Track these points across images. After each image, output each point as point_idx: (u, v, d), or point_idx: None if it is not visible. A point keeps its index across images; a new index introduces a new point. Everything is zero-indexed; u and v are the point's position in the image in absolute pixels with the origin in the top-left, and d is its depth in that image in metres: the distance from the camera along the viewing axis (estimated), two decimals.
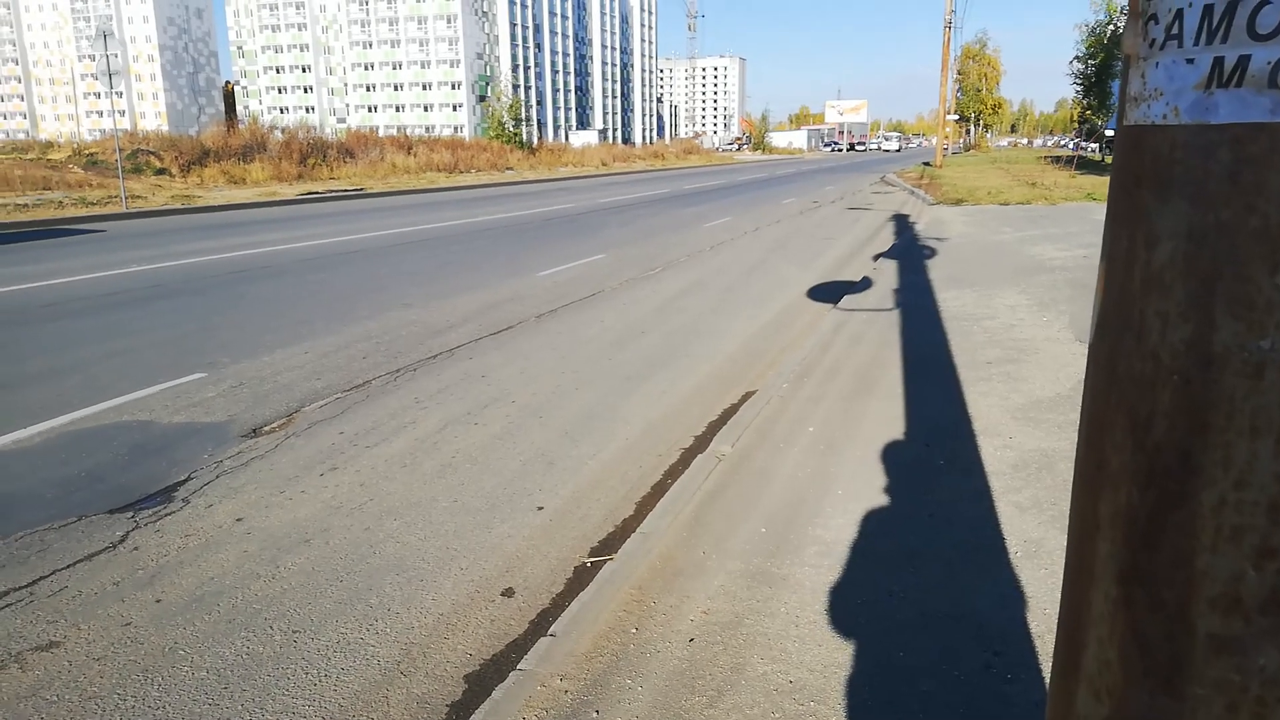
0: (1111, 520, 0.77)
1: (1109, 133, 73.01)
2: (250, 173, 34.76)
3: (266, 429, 5.67)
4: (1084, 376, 0.85)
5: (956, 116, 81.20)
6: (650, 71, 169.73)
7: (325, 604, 3.57)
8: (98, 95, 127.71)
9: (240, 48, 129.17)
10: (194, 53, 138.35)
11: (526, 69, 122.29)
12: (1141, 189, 0.72)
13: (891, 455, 4.82)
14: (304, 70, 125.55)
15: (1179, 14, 0.68)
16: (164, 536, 4.14)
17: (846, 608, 3.28)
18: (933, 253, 13.11)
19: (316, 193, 31.09)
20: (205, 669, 3.12)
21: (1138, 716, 0.75)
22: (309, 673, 3.11)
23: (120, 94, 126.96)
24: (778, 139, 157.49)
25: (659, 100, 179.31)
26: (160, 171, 33.52)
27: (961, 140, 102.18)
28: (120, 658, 3.18)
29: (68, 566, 3.83)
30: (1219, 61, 0.65)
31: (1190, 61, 0.67)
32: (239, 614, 3.49)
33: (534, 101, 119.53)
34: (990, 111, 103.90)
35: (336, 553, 4.01)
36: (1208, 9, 0.65)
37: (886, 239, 16.08)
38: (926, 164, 50.95)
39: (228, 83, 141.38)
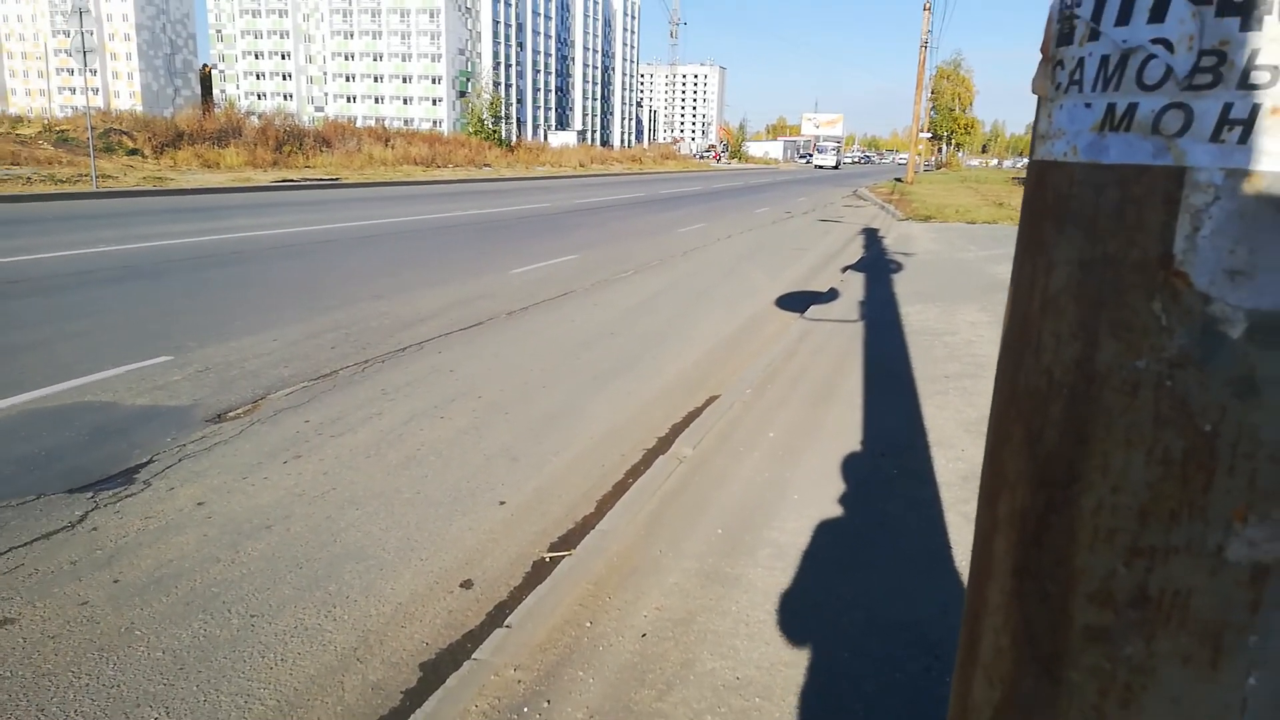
0: (1008, 520, 0.84)
1: None
2: (225, 157, 34.39)
3: (231, 415, 5.66)
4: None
5: (929, 134, 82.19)
6: (631, 76, 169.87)
7: (284, 589, 3.59)
8: (71, 72, 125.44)
9: (219, 31, 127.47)
10: (171, 34, 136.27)
11: (508, 67, 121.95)
12: (1044, 220, 0.80)
13: (848, 463, 4.92)
14: (283, 57, 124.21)
15: (1080, 61, 0.75)
16: (123, 518, 4.14)
17: (796, 609, 3.36)
18: (899, 267, 13.30)
19: (291, 180, 30.83)
20: (161, 650, 3.14)
21: (1023, 699, 0.83)
22: (266, 656, 3.14)
23: (94, 72, 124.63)
24: (754, 149, 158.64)
25: (639, 104, 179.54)
26: (132, 152, 33.07)
27: (933, 158, 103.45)
28: (76, 636, 3.18)
29: (25, 544, 3.81)
30: (1112, 107, 0.72)
31: (1088, 106, 0.75)
32: (197, 596, 3.50)
33: (514, 100, 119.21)
34: (963, 131, 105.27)
35: (297, 539, 4.02)
36: (1104, 59, 0.73)
37: (855, 252, 16.27)
38: (898, 180, 51.54)
39: (205, 66, 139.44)
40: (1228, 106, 0.66)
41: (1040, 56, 0.83)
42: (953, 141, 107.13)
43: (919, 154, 60.34)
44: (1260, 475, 0.68)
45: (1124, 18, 0.71)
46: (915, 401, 6.17)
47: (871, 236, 19.27)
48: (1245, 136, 0.65)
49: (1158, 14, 0.68)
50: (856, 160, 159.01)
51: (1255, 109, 0.65)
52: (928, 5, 44.05)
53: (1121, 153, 0.72)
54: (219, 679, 2.98)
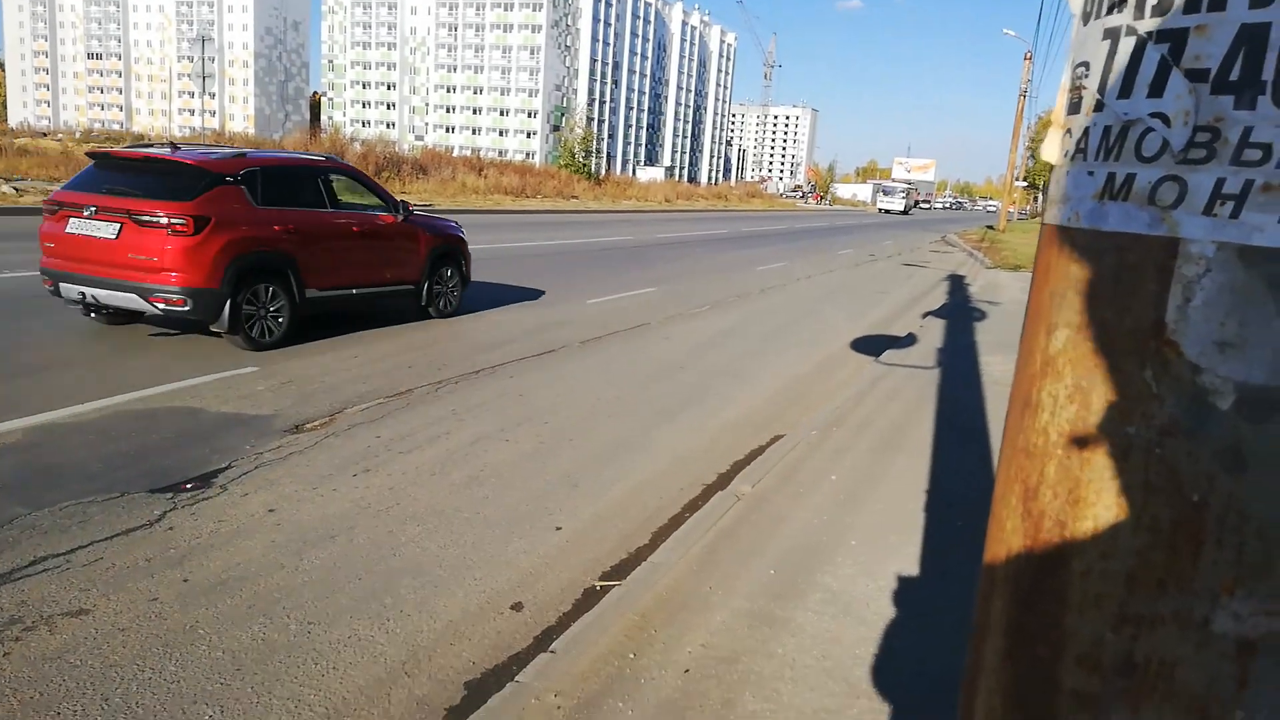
0: (1004, 578, 0.85)
1: None
2: None
3: (308, 426, 5.86)
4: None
5: (1025, 183, 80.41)
6: (723, 115, 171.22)
7: (342, 599, 3.69)
8: (191, 95, 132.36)
9: (331, 61, 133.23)
10: (286, 63, 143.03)
11: (602, 103, 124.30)
12: (1048, 282, 0.81)
13: (911, 512, 4.83)
14: (389, 87, 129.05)
15: (1086, 131, 0.77)
16: (198, 520, 4.32)
17: (845, 657, 3.31)
18: (983, 315, 13.02)
19: None
20: (222, 650, 3.26)
21: None
22: (319, 664, 3.23)
23: (212, 95, 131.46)
24: (843, 190, 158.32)
25: (728, 143, 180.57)
26: None
27: (1028, 206, 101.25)
28: (144, 630, 3.33)
29: (105, 539, 4.01)
30: (1112, 176, 0.74)
31: (1091, 174, 0.76)
32: (260, 600, 3.63)
33: (605, 135, 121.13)
34: None
35: (359, 551, 4.14)
36: (1107, 129, 0.74)
37: (938, 298, 16.00)
38: (990, 228, 50.59)
39: (315, 93, 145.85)
40: (1220, 181, 0.66)
41: (1053, 123, 0.85)
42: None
43: (1013, 202, 59.12)
44: (1248, 549, 0.68)
45: (1126, 90, 0.72)
46: (988, 453, 6.03)
47: (957, 283, 18.92)
48: (1237, 211, 0.66)
49: (1157, 88, 0.70)
50: (948, 206, 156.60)
51: (1248, 185, 0.66)
52: (1028, 54, 43.34)
53: (1119, 221, 0.73)
54: (273, 683, 3.08)
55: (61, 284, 7.64)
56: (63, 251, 7.63)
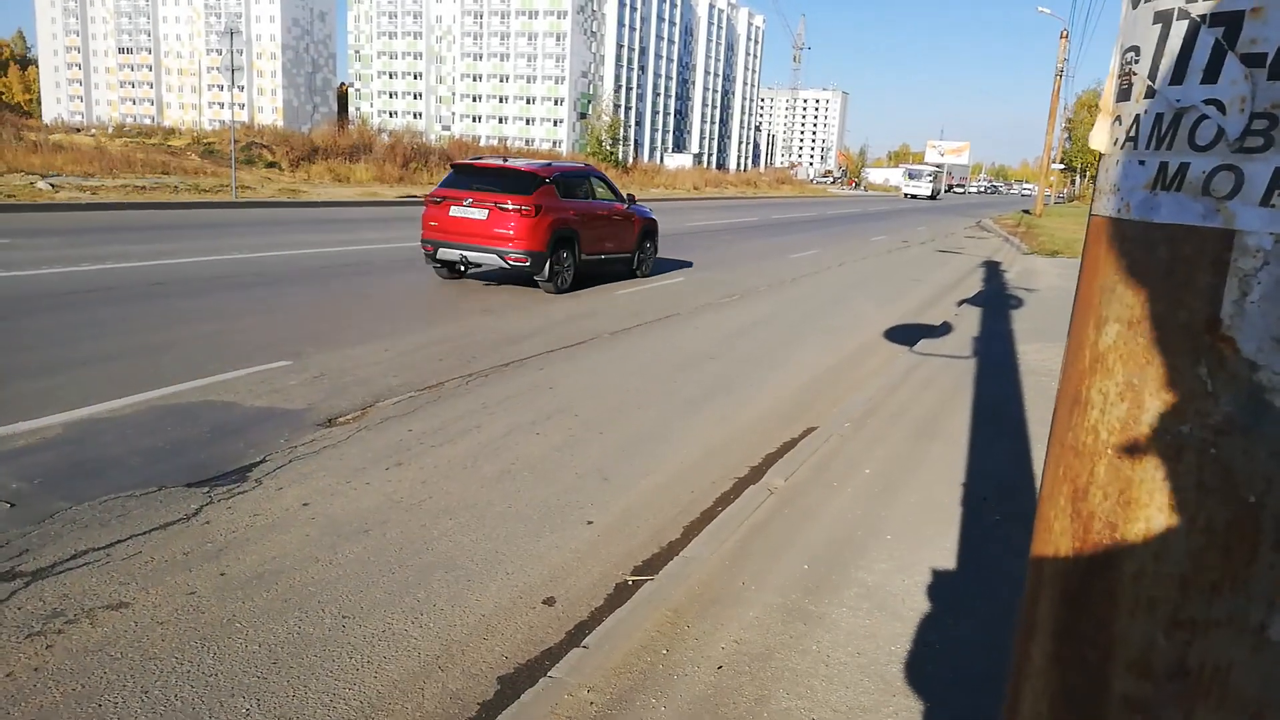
0: (1052, 579, 0.82)
1: None
2: (355, 172, 35.97)
3: (341, 420, 5.91)
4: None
5: (1063, 166, 79.09)
6: (751, 100, 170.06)
7: (376, 593, 3.72)
8: (220, 88, 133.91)
9: (357, 52, 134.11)
10: (314, 54, 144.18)
11: (629, 90, 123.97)
12: (1098, 275, 0.78)
13: (947, 505, 4.77)
14: (415, 77, 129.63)
15: (1137, 119, 0.74)
16: (234, 513, 4.37)
17: (880, 654, 3.28)
18: (1020, 303, 12.85)
19: (415, 196, 31.99)
20: (258, 643, 3.30)
21: None
22: (353, 658, 3.26)
23: (241, 88, 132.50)
24: (874, 175, 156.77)
25: (757, 128, 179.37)
26: (271, 165, 35.06)
27: (1065, 190, 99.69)
28: (182, 624, 3.38)
29: (144, 533, 4.08)
30: (1164, 165, 0.71)
31: (1142, 163, 0.73)
32: (295, 594, 3.66)
33: (633, 122, 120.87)
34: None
35: (392, 545, 4.17)
36: (1159, 117, 0.72)
37: (973, 285, 15.82)
38: (1026, 212, 49.93)
39: (342, 84, 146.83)
40: (1279, 171, 0.64)
41: (1101, 110, 0.82)
42: (1088, 174, 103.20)
43: (1049, 186, 58.28)
44: None
45: (1179, 76, 0.70)
46: (1025, 445, 5.95)
47: (992, 270, 18.70)
48: None
49: (1211, 74, 0.67)
50: (983, 190, 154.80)
51: None
52: (1064, 33, 42.53)
53: (1172, 212, 0.70)
54: (308, 676, 3.12)
55: (440, 250, 11.76)
56: (446, 228, 11.71)
